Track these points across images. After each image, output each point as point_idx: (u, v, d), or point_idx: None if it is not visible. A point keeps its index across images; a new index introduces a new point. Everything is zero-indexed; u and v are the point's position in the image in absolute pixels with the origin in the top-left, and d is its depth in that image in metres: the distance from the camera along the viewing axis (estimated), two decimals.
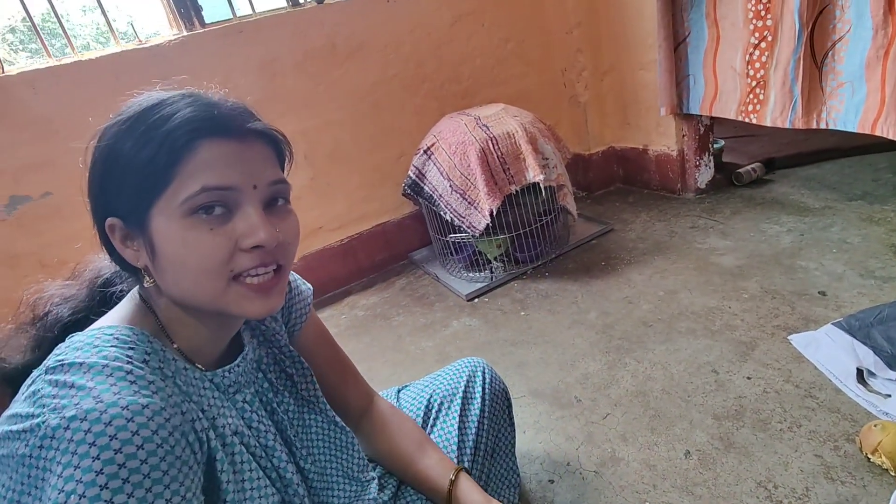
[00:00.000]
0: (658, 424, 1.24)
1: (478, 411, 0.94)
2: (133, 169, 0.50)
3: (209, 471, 0.52)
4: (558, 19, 2.51)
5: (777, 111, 1.83)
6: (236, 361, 0.63)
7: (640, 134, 2.54)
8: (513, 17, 2.44)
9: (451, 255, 2.17)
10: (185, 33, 1.91)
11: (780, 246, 1.84)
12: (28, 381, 0.47)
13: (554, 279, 2.01)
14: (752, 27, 1.84)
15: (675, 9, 2.09)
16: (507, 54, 2.48)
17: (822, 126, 1.75)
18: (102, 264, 0.66)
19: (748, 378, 1.31)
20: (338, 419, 0.76)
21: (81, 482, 0.40)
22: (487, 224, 1.90)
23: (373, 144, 2.28)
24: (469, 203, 1.94)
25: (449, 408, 0.95)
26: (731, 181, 2.40)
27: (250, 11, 2.05)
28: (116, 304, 0.59)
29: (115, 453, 0.41)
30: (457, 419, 0.92)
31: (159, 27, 1.98)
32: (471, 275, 2.11)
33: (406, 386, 1.04)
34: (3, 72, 1.72)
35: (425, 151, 2.06)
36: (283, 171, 0.60)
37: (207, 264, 0.51)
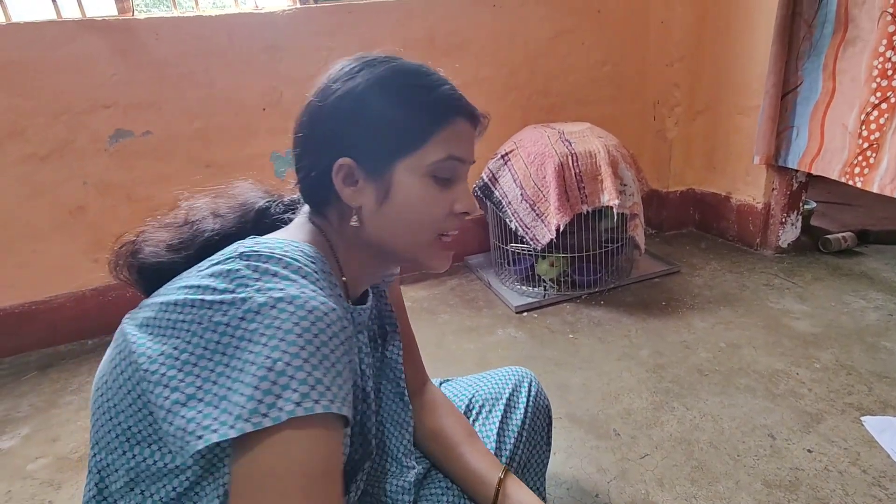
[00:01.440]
0: (700, 477, 1.16)
1: (519, 421, 0.91)
2: (392, 122, 0.56)
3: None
4: (660, 50, 2.45)
5: (888, 178, 1.70)
6: (366, 305, 0.66)
7: (724, 180, 2.43)
8: (614, 41, 2.41)
9: (508, 265, 2.14)
10: (298, 6, 2.00)
11: (865, 321, 1.70)
12: (209, 262, 0.51)
13: (609, 309, 1.94)
14: (874, 85, 1.72)
15: (790, 56, 1.99)
16: (601, 76, 2.44)
17: None
18: (254, 195, 0.69)
19: (809, 451, 1.21)
20: (406, 394, 0.76)
21: (287, 353, 0.43)
22: (551, 240, 1.87)
23: None
24: (537, 215, 1.91)
25: (490, 411, 0.92)
26: (816, 246, 2.25)
27: None
28: (267, 233, 0.61)
29: (315, 336, 0.45)
30: (497, 424, 0.89)
31: (280, 1, 2.08)
32: (524, 288, 2.07)
33: (448, 380, 1.02)
34: (133, 15, 1.86)
35: (503, 157, 2.05)
36: None
37: (430, 218, 0.59)
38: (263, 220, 0.67)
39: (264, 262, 0.49)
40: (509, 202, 1.99)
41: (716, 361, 1.57)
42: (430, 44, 2.14)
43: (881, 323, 1.68)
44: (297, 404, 0.43)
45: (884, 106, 1.71)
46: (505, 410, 0.91)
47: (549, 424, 0.98)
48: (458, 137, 0.58)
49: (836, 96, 1.88)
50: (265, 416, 0.42)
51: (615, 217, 1.91)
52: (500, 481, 0.75)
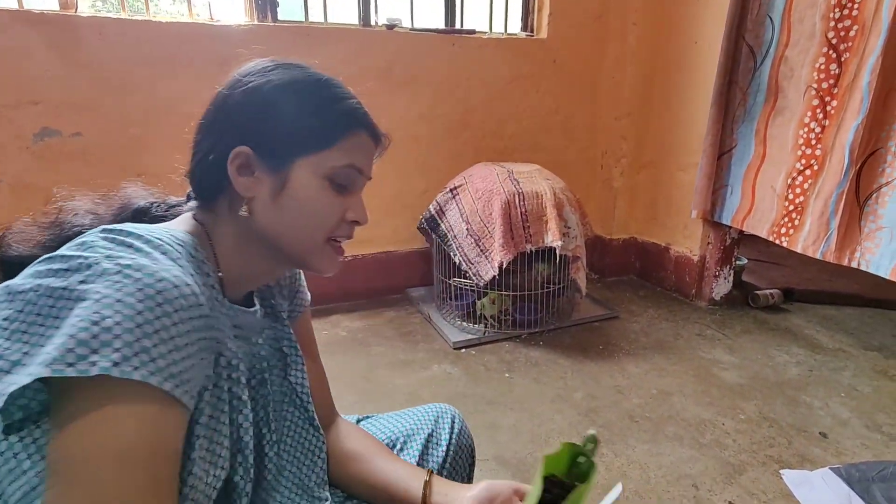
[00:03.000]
0: None
1: (440, 459, 0.86)
2: (303, 122, 0.57)
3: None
4: (610, 104, 2.56)
5: (810, 240, 1.80)
6: (250, 310, 0.64)
7: (665, 231, 2.52)
8: (567, 91, 2.50)
9: (450, 299, 2.11)
10: (255, 22, 1.98)
11: (787, 375, 1.75)
12: (71, 242, 0.48)
13: (547, 350, 1.92)
14: (800, 153, 1.84)
15: (726, 119, 2.12)
16: (552, 123, 2.51)
17: (854, 265, 1.71)
18: (137, 194, 0.67)
19: (730, 503, 1.20)
20: (316, 420, 0.72)
21: (120, 312, 0.40)
22: (494, 276, 1.85)
23: (400, 174, 2.28)
24: (481, 251, 1.90)
25: (408, 445, 0.87)
26: (746, 301, 2.34)
27: (322, 20, 2.12)
28: None
29: (157, 305, 0.42)
30: (415, 460, 0.84)
31: (237, 15, 2.05)
32: (464, 324, 2.04)
33: (368, 417, 0.96)
34: (76, 11, 1.77)
35: (451, 191, 2.04)
36: None
37: (322, 220, 0.59)
38: (142, 220, 0.64)
39: (123, 237, 0.47)
40: (455, 236, 1.97)
41: (647, 408, 1.57)
42: (387, 74, 2.15)
43: (802, 377, 1.74)
44: (115, 364, 0.39)
45: (807, 172, 1.83)
46: (425, 446, 0.86)
47: (472, 465, 0.93)
48: (360, 149, 0.60)
49: (767, 160, 2.00)
50: (70, 365, 0.38)
51: (558, 258, 1.92)
52: (427, 483, 0.72)
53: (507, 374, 1.75)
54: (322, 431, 0.73)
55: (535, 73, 2.41)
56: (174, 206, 0.66)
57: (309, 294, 0.81)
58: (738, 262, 2.39)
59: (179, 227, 0.57)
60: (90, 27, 1.75)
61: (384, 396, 1.61)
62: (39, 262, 0.45)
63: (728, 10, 2.00)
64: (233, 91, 0.57)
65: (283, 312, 0.72)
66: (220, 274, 0.58)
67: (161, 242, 0.48)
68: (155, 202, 0.66)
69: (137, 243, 0.46)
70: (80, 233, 0.56)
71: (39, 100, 1.74)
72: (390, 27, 2.16)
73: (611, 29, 2.48)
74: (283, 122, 0.56)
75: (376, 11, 2.16)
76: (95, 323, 0.40)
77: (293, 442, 0.70)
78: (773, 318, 2.21)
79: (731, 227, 2.24)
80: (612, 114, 2.57)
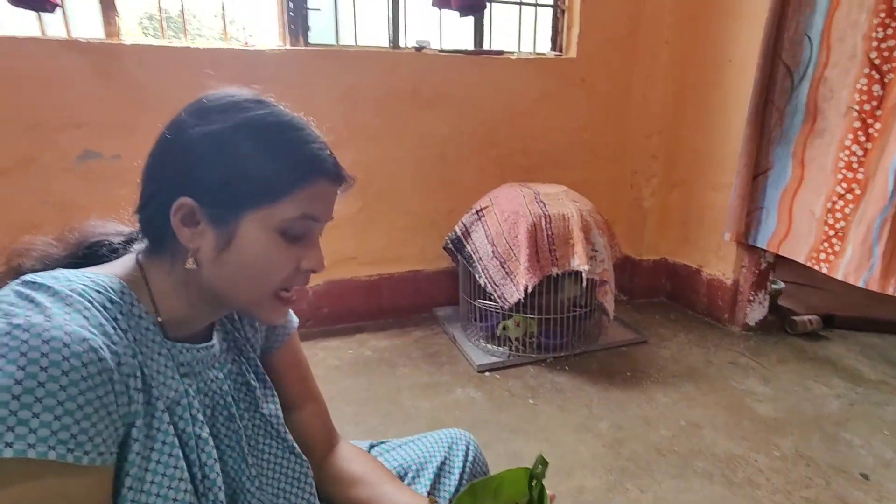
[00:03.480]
0: None
1: (453, 488, 0.85)
2: (246, 172, 0.53)
3: (126, 433, 0.50)
4: (640, 122, 2.52)
5: (852, 266, 1.72)
6: (199, 346, 0.62)
7: (697, 253, 2.45)
8: (596, 109, 2.47)
9: (476, 321, 2.10)
10: (287, 46, 2.03)
11: (826, 410, 1.67)
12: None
13: (573, 375, 1.89)
14: (840, 176, 1.77)
15: (762, 140, 2.06)
16: (580, 142, 2.49)
17: None
18: (92, 231, 0.66)
19: None
20: (296, 447, 0.71)
21: None
22: (519, 299, 1.84)
23: (427, 192, 2.29)
24: (506, 273, 1.89)
25: (420, 475, 0.86)
26: (783, 327, 2.25)
27: (352, 43, 2.16)
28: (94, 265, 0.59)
29: (41, 370, 0.42)
30: (427, 489, 0.83)
31: (271, 39, 2.11)
32: (489, 346, 2.02)
33: (382, 442, 0.96)
34: (119, 39, 1.85)
35: (477, 212, 2.04)
36: None
37: (271, 275, 0.56)
38: (95, 255, 0.63)
39: (34, 290, 0.47)
40: (480, 258, 1.97)
41: (675, 440, 1.52)
42: (414, 94, 2.17)
43: (842, 412, 1.66)
44: None
45: (849, 196, 1.76)
46: (437, 474, 0.85)
47: None
48: (316, 197, 0.56)
49: (805, 183, 1.93)
50: None
51: (585, 282, 1.89)
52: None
53: (530, 401, 1.72)
54: (305, 458, 0.72)
55: (562, 91, 2.39)
56: (128, 240, 0.65)
57: (296, 319, 0.80)
58: (773, 286, 2.30)
59: (113, 270, 0.56)
60: (132, 54, 1.82)
61: (407, 420, 1.61)
62: None
63: (764, 28, 1.95)
64: (177, 136, 0.55)
65: (248, 344, 0.71)
66: (157, 317, 0.56)
67: (70, 293, 0.48)
68: (104, 241, 0.65)
69: (41, 296, 0.46)
70: (28, 273, 0.56)
71: (83, 123, 1.82)
72: (419, 49, 2.18)
73: (641, 47, 2.45)
74: (228, 172, 0.53)
75: (405, 34, 2.19)
76: None
77: (275, 474, 0.69)
78: (811, 346, 2.12)
79: (766, 251, 2.17)
80: (642, 132, 2.53)
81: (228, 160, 0.53)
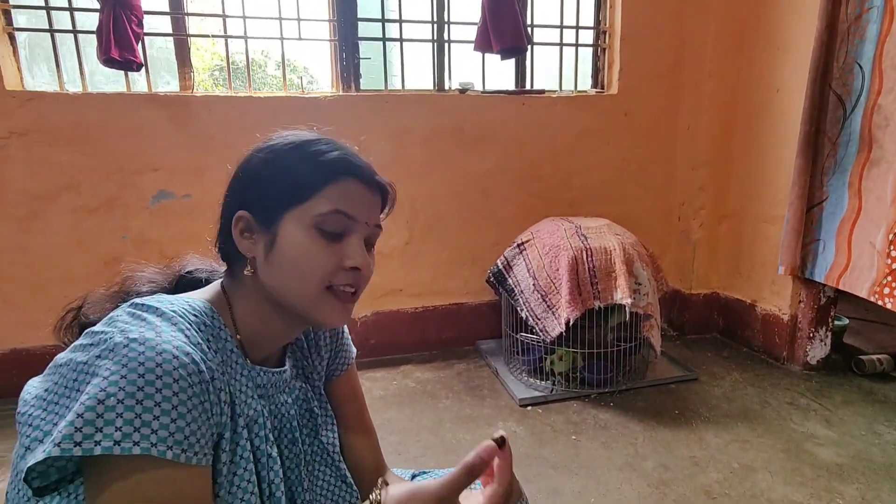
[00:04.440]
0: None
1: None
2: (285, 179, 0.61)
3: (216, 442, 0.56)
4: (686, 154, 2.50)
5: None
6: (274, 370, 0.67)
7: (750, 287, 2.36)
8: (640, 142, 2.48)
9: (518, 354, 2.10)
10: (340, 93, 2.18)
11: None
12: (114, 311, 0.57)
13: (617, 412, 1.85)
14: None
15: (815, 170, 1.99)
16: (625, 175, 2.49)
17: None
18: (191, 263, 0.75)
19: None
20: (348, 477, 0.74)
21: (123, 389, 0.46)
22: (561, 333, 1.84)
23: (471, 226, 2.35)
24: (548, 306, 1.90)
25: None
26: (849, 366, 2.12)
27: (400, 87, 2.29)
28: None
29: (157, 378, 0.48)
30: None
31: (326, 87, 2.28)
32: (531, 380, 2.02)
33: (424, 472, 0.98)
34: (192, 92, 2.06)
35: (518, 245, 2.07)
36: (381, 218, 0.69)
37: (315, 270, 0.60)
38: (191, 283, 0.71)
39: (144, 311, 0.54)
40: (521, 291, 1.99)
41: (727, 484, 1.45)
42: (458, 134, 2.26)
43: None
44: (116, 443, 0.45)
45: None
46: None
47: None
48: (347, 195, 0.61)
49: (863, 214, 1.85)
50: (78, 444, 0.44)
51: (627, 315, 1.87)
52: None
53: (573, 437, 1.70)
54: (355, 488, 0.74)
55: (605, 126, 2.42)
56: (213, 272, 0.73)
57: (354, 350, 0.84)
58: (836, 323, 2.18)
59: (203, 295, 0.63)
60: (202, 104, 2.02)
61: (449, 452, 1.62)
62: (84, 335, 0.53)
63: (811, 57, 1.92)
64: (241, 168, 0.64)
65: (315, 373, 0.75)
66: (238, 337, 0.62)
67: (174, 314, 0.54)
68: (200, 269, 0.73)
69: (151, 317, 0.53)
70: None
71: (159, 166, 2.02)
72: (462, 91, 2.28)
73: (685, 80, 2.45)
74: (269, 181, 0.61)
75: (450, 77, 2.31)
76: (101, 401, 0.45)
77: (326, 500, 0.72)
78: (881, 387, 1.98)
79: (824, 286, 2.07)
80: (688, 163, 2.50)
81: (272, 171, 0.61)
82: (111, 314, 0.54)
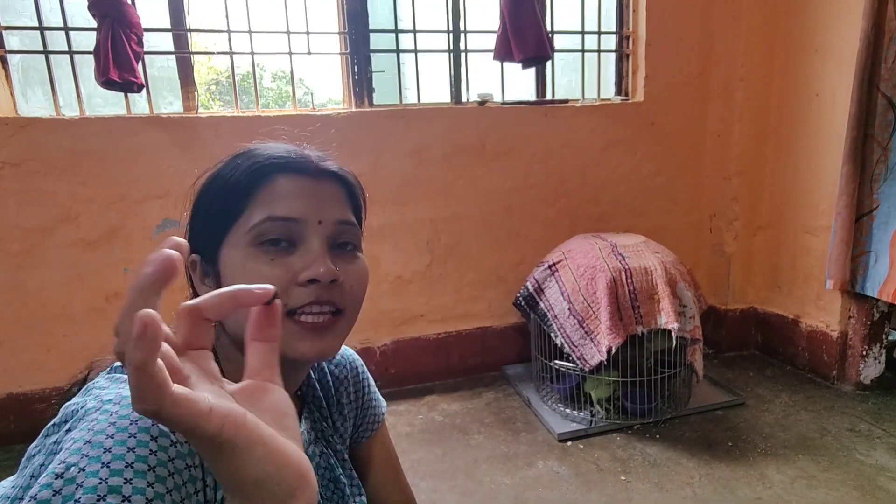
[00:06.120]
0: None
1: None
2: (217, 198, 0.53)
3: None
4: (717, 164, 2.38)
5: None
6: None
7: (792, 302, 2.23)
8: (668, 152, 2.35)
9: (550, 381, 1.96)
10: (353, 108, 2.05)
11: None
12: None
13: (666, 445, 1.71)
14: None
15: (863, 177, 1.87)
16: (654, 187, 2.36)
17: None
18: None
19: None
20: None
21: (87, 456, 0.39)
22: (601, 361, 1.70)
23: (495, 246, 2.22)
24: (586, 333, 1.76)
25: None
26: None
27: (416, 101, 2.17)
28: None
29: (130, 436, 0.40)
30: None
31: (336, 101, 2.15)
32: (567, 411, 1.88)
33: None
34: (197, 113, 1.93)
35: (550, 267, 1.94)
36: (353, 216, 0.57)
37: None
38: None
39: (121, 373, 0.48)
40: (555, 316, 1.85)
41: None
42: (480, 150, 2.14)
43: None
44: None
45: None
46: None
47: None
48: (281, 195, 0.51)
49: None
50: None
51: (674, 341, 1.73)
52: None
53: (622, 477, 1.56)
54: None
55: (631, 136, 2.30)
56: None
57: (384, 403, 0.76)
58: (891, 339, 2.04)
59: None
60: (208, 125, 1.89)
61: (488, 498, 1.48)
62: (60, 411, 0.46)
63: (857, 59, 1.81)
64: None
65: (336, 434, 0.66)
66: None
67: None
68: None
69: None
70: None
71: (163, 193, 1.88)
72: (482, 103, 2.16)
73: (713, 86, 2.33)
74: (206, 210, 0.54)
75: (468, 89, 2.19)
76: (59, 476, 0.37)
77: None
78: None
79: (878, 300, 1.94)
80: (719, 174, 2.38)
81: (208, 198, 0.54)
82: (88, 384, 0.48)
